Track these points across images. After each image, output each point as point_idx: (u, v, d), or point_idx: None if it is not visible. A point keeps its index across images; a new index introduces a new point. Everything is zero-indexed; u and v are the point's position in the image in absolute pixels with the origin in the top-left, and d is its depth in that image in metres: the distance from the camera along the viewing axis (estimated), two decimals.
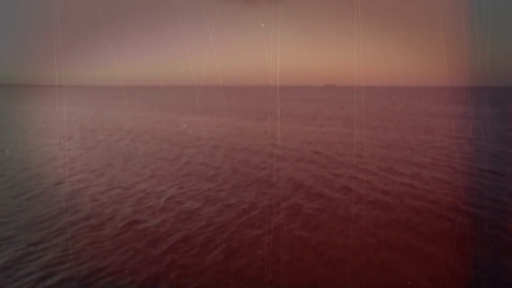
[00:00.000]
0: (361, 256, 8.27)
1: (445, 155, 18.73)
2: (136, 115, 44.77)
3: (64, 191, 13.39)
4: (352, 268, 7.78)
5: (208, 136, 25.41)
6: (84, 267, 8.14)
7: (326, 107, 60.64)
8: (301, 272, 7.89)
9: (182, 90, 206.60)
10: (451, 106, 60.71)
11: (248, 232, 9.69)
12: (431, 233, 9.52)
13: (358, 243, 8.89)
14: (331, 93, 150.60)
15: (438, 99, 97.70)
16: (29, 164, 17.37)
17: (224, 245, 8.91)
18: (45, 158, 18.70)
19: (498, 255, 8.41)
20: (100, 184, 14.18)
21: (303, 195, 12.54)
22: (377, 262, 8.14)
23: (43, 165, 17.20)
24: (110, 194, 12.94)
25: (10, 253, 8.68)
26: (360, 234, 9.39)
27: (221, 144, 21.99)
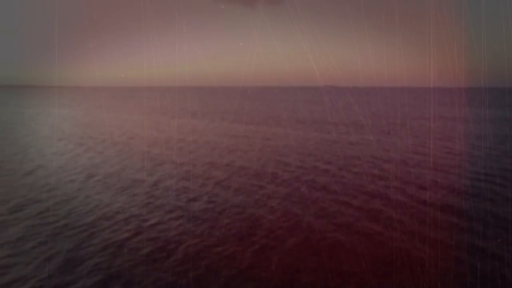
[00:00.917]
0: None
1: (484, 174, 15.36)
2: (125, 118, 41.68)
3: None
4: None
5: (195, 145, 22.23)
6: None
7: (328, 110, 57.38)
8: None
9: (181, 91, 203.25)
10: (462, 108, 57.24)
11: None
12: None
13: None
14: (331, 94, 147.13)
15: (445, 100, 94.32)
16: None
17: None
18: None
19: None
20: (44, 212, 11.04)
21: (315, 244, 9.20)
22: None
23: None
24: (49, 230, 9.79)
25: None
26: None
27: (204, 159, 18.72)
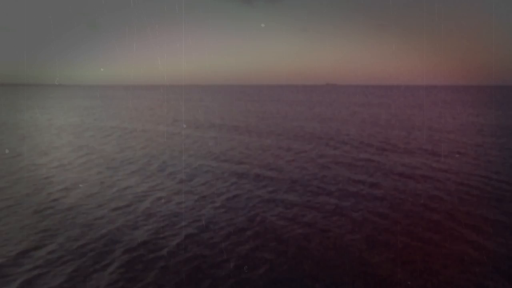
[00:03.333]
0: None
1: None
2: (97, 124, 34.19)
3: None
4: None
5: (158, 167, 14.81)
6: None
7: (336, 112, 49.91)
8: None
9: (177, 90, 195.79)
10: (481, 110, 49.77)
11: None
12: None
13: None
14: (334, 93, 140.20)
15: (454, 100, 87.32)
16: None
17: None
18: None
19: None
20: None
21: None
22: None
23: None
24: None
25: None
26: None
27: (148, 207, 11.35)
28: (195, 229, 9.26)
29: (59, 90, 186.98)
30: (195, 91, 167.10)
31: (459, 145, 22.07)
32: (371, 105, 65.50)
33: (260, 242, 8.41)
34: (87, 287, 6.43)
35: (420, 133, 27.64)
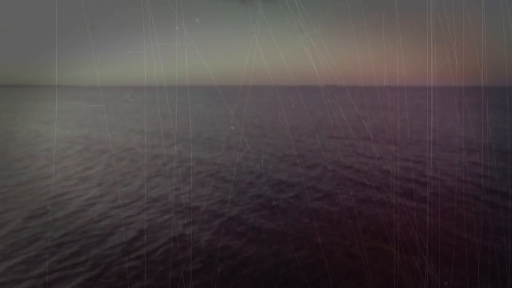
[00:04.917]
0: None
1: None
2: (60, 133, 29.46)
3: None
4: None
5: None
6: None
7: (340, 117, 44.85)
8: None
9: (173, 91, 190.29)
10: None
11: None
12: None
13: None
14: (334, 95, 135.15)
15: (463, 102, 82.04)
16: None
17: None
18: None
19: None
20: None
21: None
22: None
23: None
24: None
25: None
26: None
27: None
28: None
29: (54, 92, 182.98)
30: (192, 93, 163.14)
31: None
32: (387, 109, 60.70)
33: None
34: None
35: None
